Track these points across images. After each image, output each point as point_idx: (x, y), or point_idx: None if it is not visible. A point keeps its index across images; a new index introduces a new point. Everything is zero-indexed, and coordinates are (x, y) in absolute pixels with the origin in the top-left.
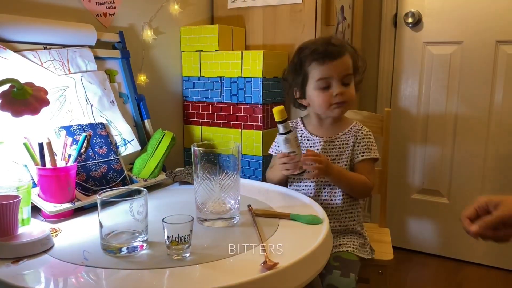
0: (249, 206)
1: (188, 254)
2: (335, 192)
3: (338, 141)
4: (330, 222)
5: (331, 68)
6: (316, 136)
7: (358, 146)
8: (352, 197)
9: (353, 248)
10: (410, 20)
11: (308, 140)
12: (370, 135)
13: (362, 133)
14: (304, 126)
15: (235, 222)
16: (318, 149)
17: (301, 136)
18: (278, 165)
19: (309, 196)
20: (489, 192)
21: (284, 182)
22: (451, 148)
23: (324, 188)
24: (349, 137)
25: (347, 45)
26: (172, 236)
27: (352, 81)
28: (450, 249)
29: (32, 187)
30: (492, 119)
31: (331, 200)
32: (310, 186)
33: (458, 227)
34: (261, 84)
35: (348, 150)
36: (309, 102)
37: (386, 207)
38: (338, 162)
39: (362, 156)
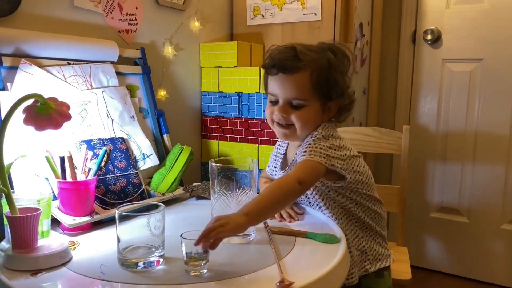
0: (265, 223)
1: (205, 270)
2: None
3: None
4: None
5: (276, 85)
6: (281, 168)
7: (298, 153)
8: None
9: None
10: (429, 37)
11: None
12: (314, 141)
13: (306, 142)
14: (287, 147)
15: (251, 239)
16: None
17: (281, 159)
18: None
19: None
20: (511, 211)
21: None
22: (471, 166)
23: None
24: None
25: (319, 58)
26: (191, 252)
27: (305, 105)
28: (469, 270)
29: (53, 200)
30: None
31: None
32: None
33: (479, 247)
34: None
35: None
36: None
37: (404, 226)
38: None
39: (301, 157)
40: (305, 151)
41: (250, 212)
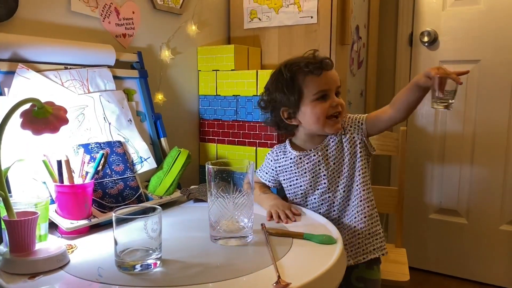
0: (262, 224)
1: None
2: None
3: (329, 144)
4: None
5: (328, 79)
6: (305, 151)
7: (351, 126)
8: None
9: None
10: (426, 39)
11: (300, 158)
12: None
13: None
14: (292, 147)
15: (249, 240)
16: (314, 161)
17: (291, 158)
18: (270, 205)
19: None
20: (510, 212)
21: None
22: (469, 167)
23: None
24: (337, 136)
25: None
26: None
27: (340, 93)
28: (469, 271)
29: (50, 204)
30: (511, 138)
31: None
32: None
33: (477, 248)
34: None
35: (344, 145)
36: (301, 119)
37: (402, 227)
38: (341, 159)
39: (363, 117)
40: (357, 117)
41: None
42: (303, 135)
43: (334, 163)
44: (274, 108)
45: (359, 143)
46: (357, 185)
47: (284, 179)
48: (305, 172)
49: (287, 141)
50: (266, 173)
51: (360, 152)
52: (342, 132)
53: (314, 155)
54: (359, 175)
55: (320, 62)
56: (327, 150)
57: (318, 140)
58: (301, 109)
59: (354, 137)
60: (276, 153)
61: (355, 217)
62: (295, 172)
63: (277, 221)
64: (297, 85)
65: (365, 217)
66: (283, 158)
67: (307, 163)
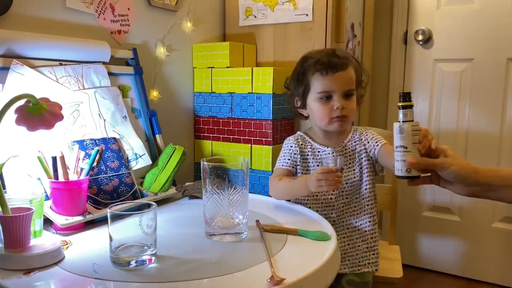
0: (257, 221)
1: None
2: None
3: (345, 149)
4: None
5: (333, 81)
6: (327, 147)
7: (368, 142)
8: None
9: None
10: (420, 37)
11: (319, 151)
12: (368, 130)
13: (363, 133)
14: (311, 138)
15: (243, 237)
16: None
17: (311, 148)
18: (312, 179)
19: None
20: (502, 210)
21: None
22: None
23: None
24: (355, 141)
25: (352, 57)
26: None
27: (354, 95)
28: (462, 268)
29: (45, 200)
30: (504, 136)
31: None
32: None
33: (470, 245)
34: (271, 100)
35: (356, 155)
36: (309, 113)
37: (396, 224)
38: (352, 168)
39: (378, 144)
40: (377, 139)
41: None
42: (318, 130)
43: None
44: (291, 94)
45: (367, 160)
46: (362, 198)
47: (299, 165)
48: (318, 165)
49: (301, 132)
50: (289, 158)
51: (367, 168)
52: (358, 143)
53: (332, 153)
54: (366, 189)
55: (328, 62)
56: (343, 154)
57: (335, 140)
58: (307, 103)
59: (364, 153)
60: (297, 139)
61: (355, 231)
62: (310, 162)
63: (332, 189)
64: (306, 79)
65: (365, 231)
66: (303, 145)
67: (323, 156)
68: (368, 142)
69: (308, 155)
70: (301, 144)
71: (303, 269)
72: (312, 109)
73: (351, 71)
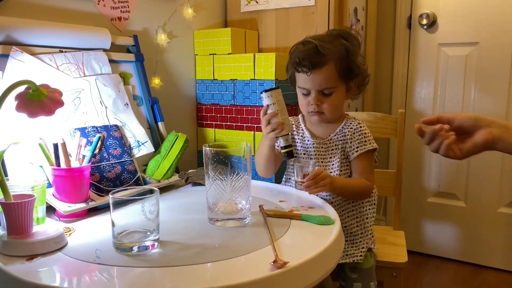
0: (260, 206)
1: None
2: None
3: (329, 142)
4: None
5: (308, 80)
6: (311, 138)
7: (351, 142)
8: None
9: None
10: (424, 21)
11: (308, 141)
12: (361, 127)
13: (352, 128)
14: (304, 124)
15: (246, 222)
16: (312, 151)
17: (302, 135)
18: (263, 130)
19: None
20: (508, 195)
21: (273, 162)
22: None
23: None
24: (340, 136)
25: (338, 48)
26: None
27: (333, 92)
28: (467, 254)
29: (47, 187)
30: (510, 120)
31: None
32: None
33: (476, 231)
34: (274, 86)
35: (339, 151)
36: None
37: (401, 211)
38: (331, 163)
39: (357, 151)
40: (363, 141)
41: (342, 186)
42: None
43: (325, 160)
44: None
45: (345, 158)
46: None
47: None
48: (304, 154)
49: (299, 116)
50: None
51: (344, 162)
52: (343, 139)
53: (313, 145)
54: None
55: (303, 61)
56: (324, 148)
57: (325, 128)
58: (296, 91)
59: (343, 150)
60: (295, 121)
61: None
62: (297, 148)
63: (277, 133)
64: (291, 71)
65: (355, 217)
66: (296, 128)
67: (305, 147)
68: (350, 143)
69: (297, 141)
70: (296, 127)
71: (307, 252)
72: (298, 98)
73: (330, 69)
